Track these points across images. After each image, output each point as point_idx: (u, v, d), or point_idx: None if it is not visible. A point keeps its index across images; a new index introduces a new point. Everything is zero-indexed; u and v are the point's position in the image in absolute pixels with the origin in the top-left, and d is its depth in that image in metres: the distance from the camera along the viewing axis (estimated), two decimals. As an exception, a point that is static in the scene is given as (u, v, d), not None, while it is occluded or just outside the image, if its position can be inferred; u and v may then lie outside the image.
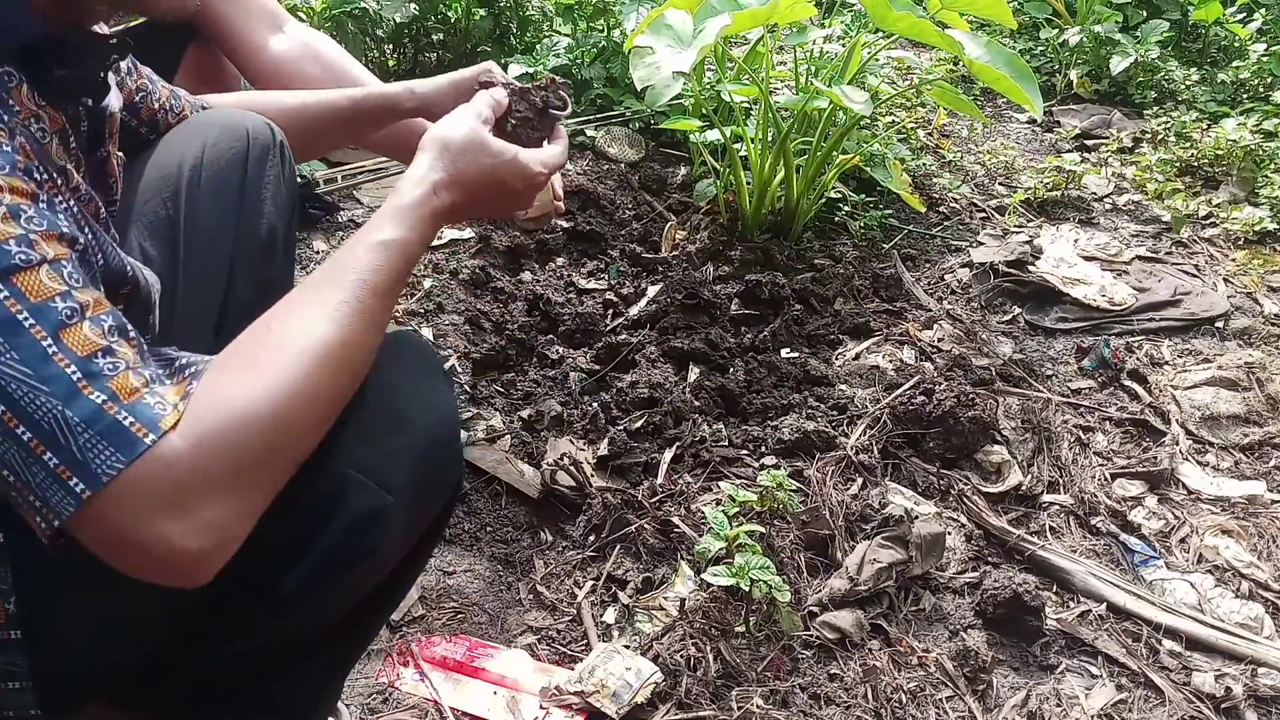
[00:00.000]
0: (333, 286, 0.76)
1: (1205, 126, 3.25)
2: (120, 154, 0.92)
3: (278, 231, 1.05)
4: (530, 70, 2.64)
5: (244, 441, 0.68)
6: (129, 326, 0.69)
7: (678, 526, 1.59)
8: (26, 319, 0.63)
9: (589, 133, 2.77)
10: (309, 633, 0.86)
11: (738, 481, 1.67)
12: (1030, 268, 2.44)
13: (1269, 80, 3.55)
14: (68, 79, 0.76)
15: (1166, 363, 2.19)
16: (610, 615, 1.46)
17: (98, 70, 0.82)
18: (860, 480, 1.73)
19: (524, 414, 1.84)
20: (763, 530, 1.51)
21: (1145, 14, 3.93)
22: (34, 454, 0.62)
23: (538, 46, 2.83)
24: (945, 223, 2.73)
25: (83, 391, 0.63)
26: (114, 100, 0.89)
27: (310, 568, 0.79)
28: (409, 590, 1.02)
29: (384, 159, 2.55)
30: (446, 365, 1.97)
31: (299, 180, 1.94)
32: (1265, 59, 3.58)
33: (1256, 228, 2.72)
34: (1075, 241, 2.64)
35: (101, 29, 0.83)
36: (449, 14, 2.83)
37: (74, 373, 0.63)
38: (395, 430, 0.83)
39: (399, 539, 0.85)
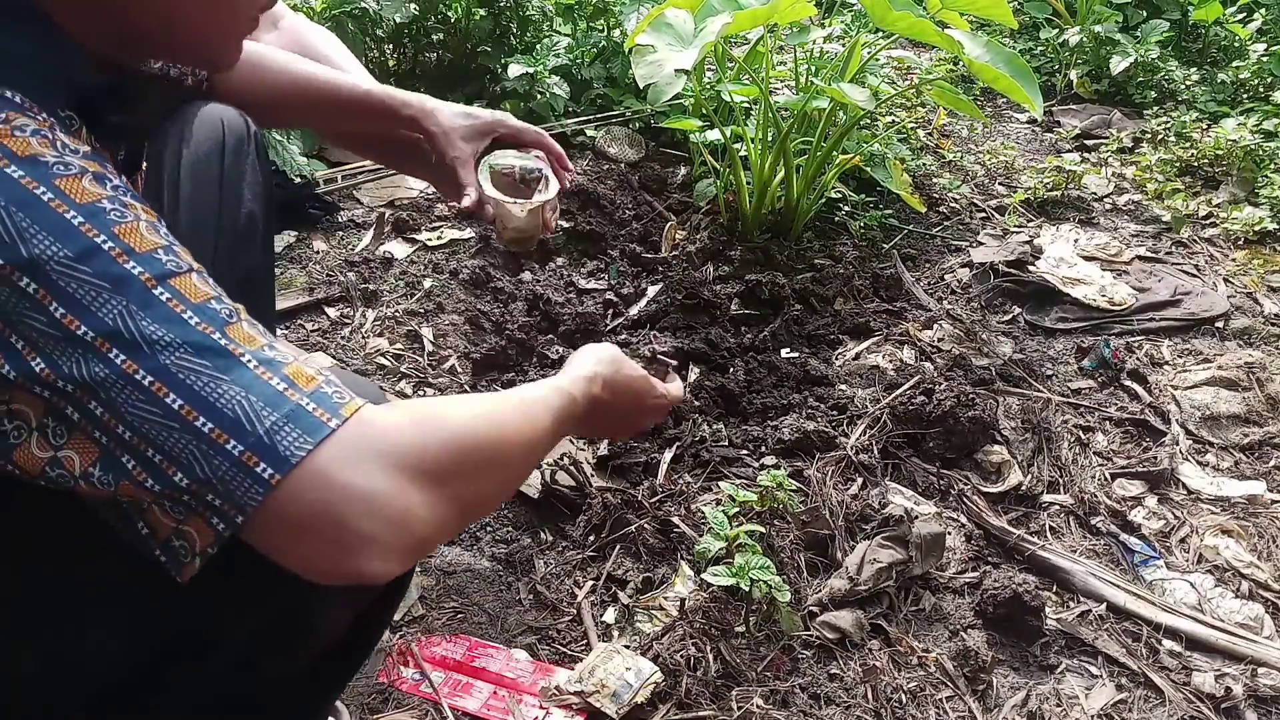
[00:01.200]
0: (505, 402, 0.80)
1: (1205, 126, 3.25)
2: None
3: (256, 218, 1.05)
4: (530, 70, 2.64)
5: (461, 442, 0.68)
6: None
7: (678, 526, 1.59)
8: (192, 317, 0.62)
9: (589, 133, 2.77)
10: (255, 696, 0.84)
11: (738, 481, 1.67)
12: (1030, 268, 2.44)
13: (1269, 80, 3.55)
14: (121, 124, 0.76)
15: (1166, 363, 2.19)
16: (610, 615, 1.46)
17: (152, 118, 0.83)
18: (860, 480, 1.73)
19: (524, 414, 1.83)
20: (763, 530, 1.51)
21: (1145, 14, 3.93)
22: (216, 444, 0.60)
23: (538, 46, 2.83)
24: (945, 223, 2.73)
25: (262, 378, 0.62)
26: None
27: (238, 650, 0.78)
28: (375, 641, 1.01)
29: (384, 159, 2.55)
30: (447, 364, 1.97)
31: (298, 179, 1.93)
32: (1265, 59, 3.58)
33: (1256, 228, 2.72)
34: (1075, 241, 2.64)
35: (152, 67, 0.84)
36: (449, 14, 2.83)
37: (250, 361, 0.62)
38: None
39: (335, 616, 0.83)
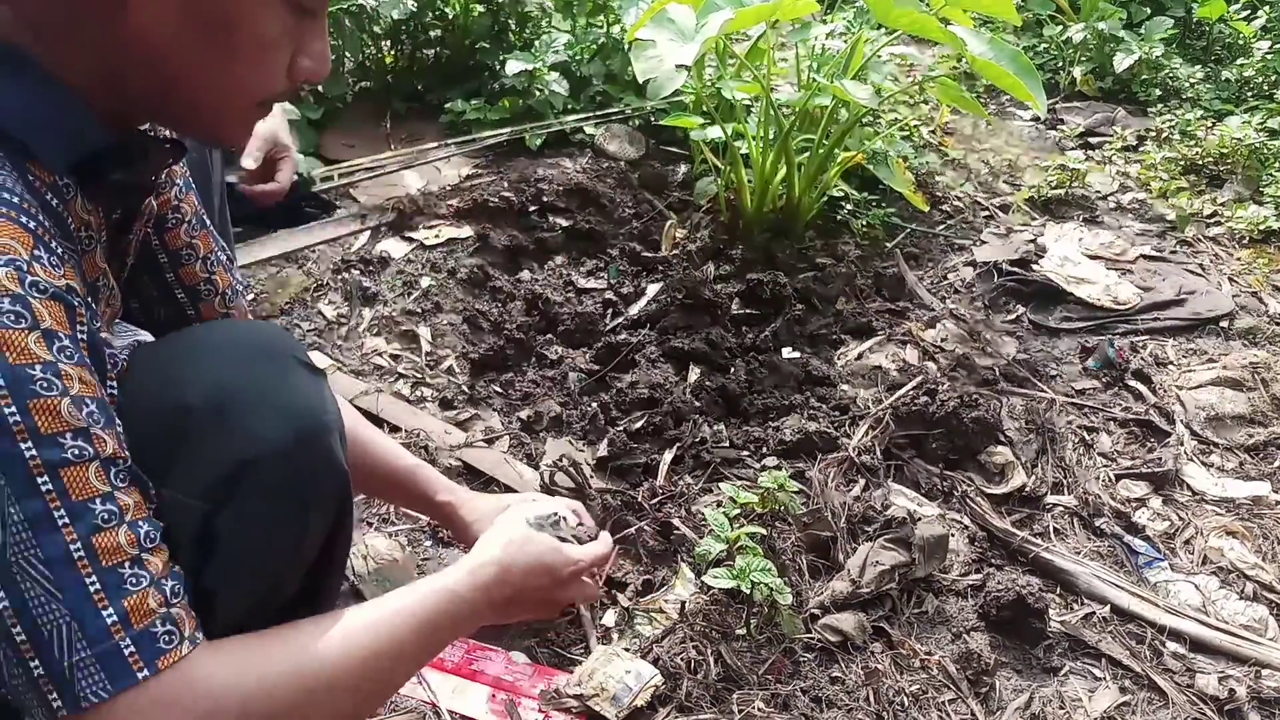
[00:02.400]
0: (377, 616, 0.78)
1: (1210, 124, 3.24)
2: (145, 233, 0.90)
3: None
4: (529, 67, 2.62)
5: (292, 689, 0.68)
6: (160, 532, 0.67)
7: (678, 528, 1.57)
8: (62, 518, 0.61)
9: (588, 130, 2.76)
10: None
11: (739, 483, 1.66)
12: (1034, 267, 2.42)
13: (1274, 78, 3.54)
14: (122, 182, 0.75)
15: (1171, 363, 2.18)
16: (610, 618, 1.45)
17: (152, 173, 0.81)
18: (862, 481, 1.72)
19: (523, 414, 1.82)
20: (764, 532, 1.50)
21: (1149, 11, 3.91)
22: (22, 657, 0.61)
23: (536, 43, 2.82)
24: (948, 221, 2.71)
25: (96, 605, 0.62)
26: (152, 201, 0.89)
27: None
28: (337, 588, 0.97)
29: (381, 158, 2.54)
30: (445, 364, 1.96)
31: (295, 177, 1.91)
32: (1270, 56, 3.57)
33: (1261, 226, 2.71)
34: (1079, 240, 2.62)
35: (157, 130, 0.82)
36: (447, 10, 2.82)
37: (93, 583, 0.62)
38: (234, 444, 0.75)
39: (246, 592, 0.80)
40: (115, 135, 0.72)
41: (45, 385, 0.61)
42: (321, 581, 0.89)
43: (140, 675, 0.62)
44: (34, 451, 0.60)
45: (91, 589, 0.61)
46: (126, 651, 0.62)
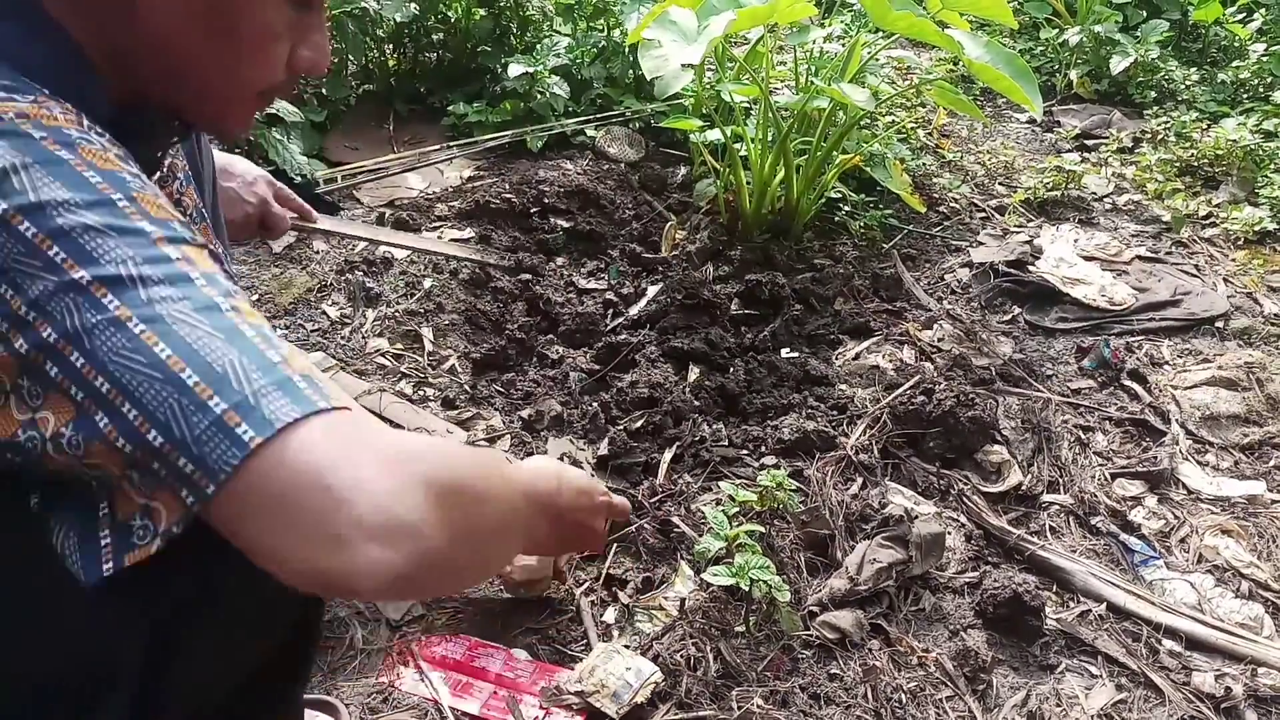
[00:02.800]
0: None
1: (1205, 126, 3.25)
2: None
3: None
4: (530, 70, 2.64)
5: (456, 465, 0.61)
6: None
7: (677, 526, 1.59)
8: (199, 278, 0.59)
9: (589, 132, 2.77)
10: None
11: (738, 481, 1.67)
12: (1030, 268, 2.44)
13: (1269, 80, 3.55)
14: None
15: (1166, 362, 2.19)
16: (610, 615, 1.46)
17: (158, 148, 0.82)
18: (860, 480, 1.73)
19: (524, 414, 1.84)
20: (763, 530, 1.51)
21: (1145, 14, 3.93)
22: (198, 399, 0.54)
23: (538, 46, 2.83)
24: (945, 222, 2.73)
25: (258, 345, 0.57)
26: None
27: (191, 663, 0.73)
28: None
29: (384, 160, 2.55)
30: (447, 364, 1.97)
31: (298, 179, 1.92)
32: (1265, 59, 3.58)
33: (1256, 228, 2.72)
34: (1075, 241, 2.64)
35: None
36: (449, 14, 2.83)
37: (247, 329, 0.58)
38: None
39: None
40: (119, 109, 0.73)
41: (138, 185, 0.62)
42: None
43: (319, 404, 0.57)
44: (153, 228, 0.60)
45: (248, 333, 0.58)
46: (300, 385, 0.57)
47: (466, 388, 1.91)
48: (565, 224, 2.42)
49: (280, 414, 0.55)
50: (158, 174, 0.85)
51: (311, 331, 2.00)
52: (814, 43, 2.79)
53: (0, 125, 0.59)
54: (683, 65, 1.98)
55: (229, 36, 0.71)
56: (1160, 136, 3.26)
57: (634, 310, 2.18)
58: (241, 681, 0.72)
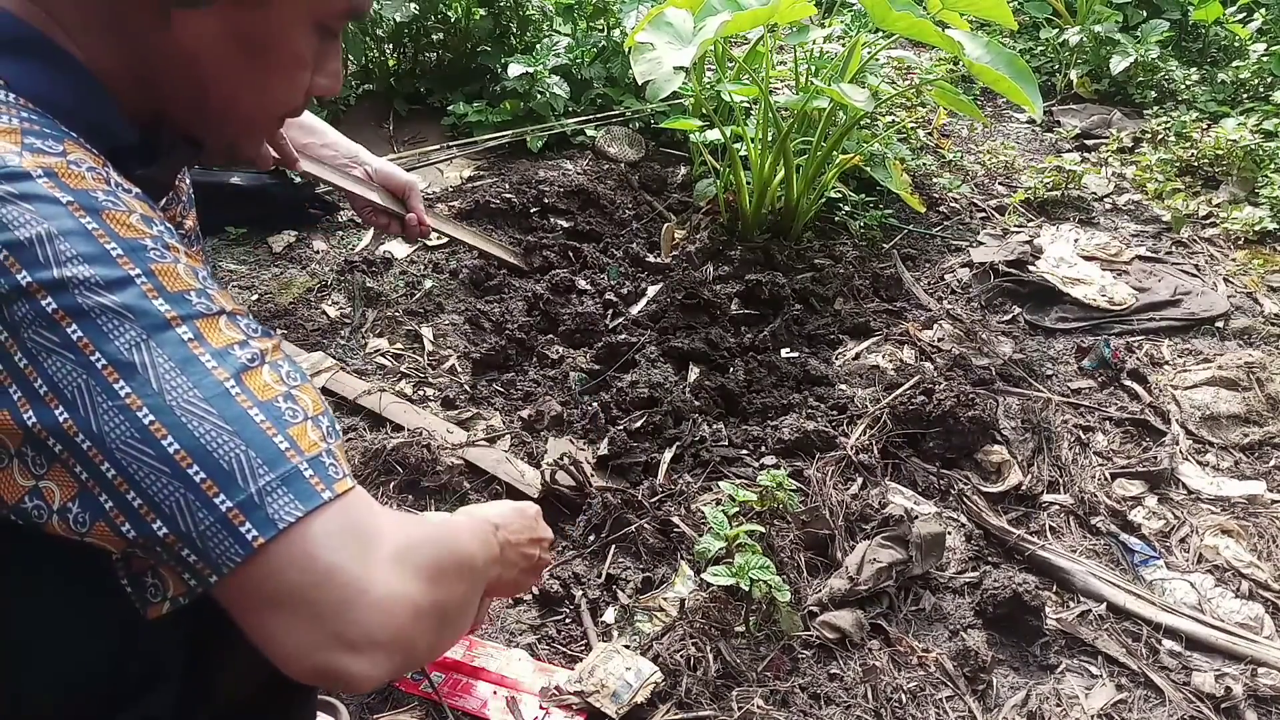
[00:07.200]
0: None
1: (1205, 126, 3.25)
2: None
3: None
4: (530, 70, 2.64)
5: (447, 552, 0.65)
6: (301, 374, 0.66)
7: (677, 526, 1.59)
8: (209, 360, 0.60)
9: (589, 132, 2.77)
10: None
11: (738, 481, 1.67)
12: (1030, 267, 2.44)
13: (1269, 80, 3.55)
14: (144, 179, 0.76)
15: (1166, 362, 2.19)
16: (610, 615, 1.46)
17: (174, 170, 0.83)
18: (860, 480, 1.73)
19: (524, 414, 1.84)
20: (763, 530, 1.51)
21: (1145, 14, 3.93)
22: (205, 496, 0.57)
23: (538, 46, 2.83)
24: (945, 222, 2.73)
25: (267, 433, 0.60)
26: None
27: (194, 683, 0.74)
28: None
29: (384, 159, 2.55)
30: (447, 364, 1.97)
31: (298, 179, 1.93)
32: (1265, 59, 3.58)
33: (1256, 227, 2.72)
34: (1075, 241, 2.64)
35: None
36: (449, 13, 2.83)
37: (257, 415, 0.60)
38: None
39: None
40: (138, 132, 0.74)
41: (159, 254, 0.63)
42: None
43: (324, 496, 0.60)
44: (166, 306, 0.61)
45: (257, 419, 0.60)
46: (306, 474, 0.60)
47: (466, 387, 1.91)
48: (565, 224, 2.42)
49: (284, 513, 0.58)
50: (165, 197, 0.86)
51: (311, 331, 2.00)
52: (814, 43, 2.79)
53: (30, 187, 0.60)
54: (675, 68, 1.97)
55: (262, 64, 0.73)
56: (1160, 136, 3.26)
57: (634, 310, 2.18)
58: (273, 670, 0.74)
